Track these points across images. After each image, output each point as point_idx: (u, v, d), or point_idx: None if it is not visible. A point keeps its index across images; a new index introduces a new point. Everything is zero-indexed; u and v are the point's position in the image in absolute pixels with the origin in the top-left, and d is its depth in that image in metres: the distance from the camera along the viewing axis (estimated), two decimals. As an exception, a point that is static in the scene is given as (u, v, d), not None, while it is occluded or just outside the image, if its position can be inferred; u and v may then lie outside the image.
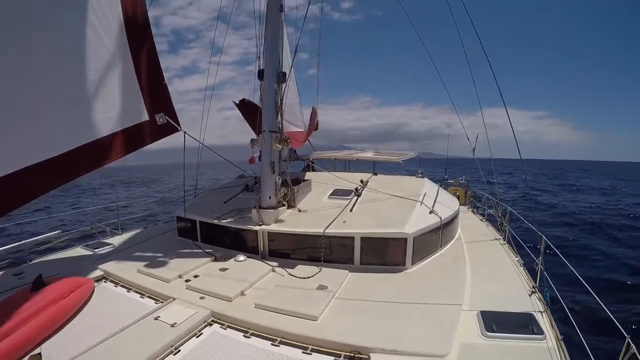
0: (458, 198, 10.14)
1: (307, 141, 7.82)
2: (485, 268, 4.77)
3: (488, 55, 5.39)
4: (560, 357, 2.88)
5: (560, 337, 3.19)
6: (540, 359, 2.83)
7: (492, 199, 8.14)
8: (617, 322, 2.93)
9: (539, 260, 4.46)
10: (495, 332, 3.08)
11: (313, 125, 7.32)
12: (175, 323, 3.00)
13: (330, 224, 4.56)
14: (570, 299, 6.92)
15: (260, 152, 5.02)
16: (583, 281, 3.79)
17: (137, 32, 4.24)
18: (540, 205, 23.84)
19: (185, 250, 4.96)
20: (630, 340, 2.59)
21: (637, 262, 11.61)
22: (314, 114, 7.51)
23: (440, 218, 4.98)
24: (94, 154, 4.02)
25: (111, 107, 4.16)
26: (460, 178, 11.49)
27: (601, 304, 3.34)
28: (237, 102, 6.21)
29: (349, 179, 5.99)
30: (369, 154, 8.34)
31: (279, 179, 4.93)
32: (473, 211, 9.27)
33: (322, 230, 4.43)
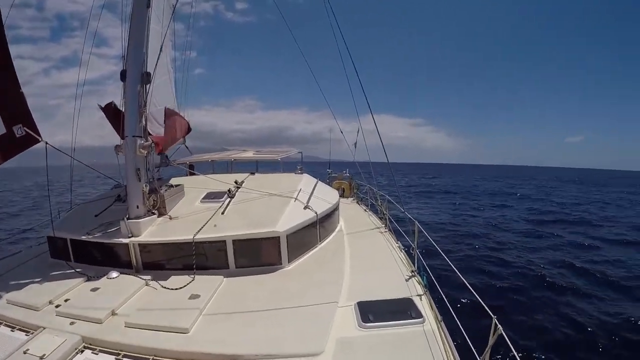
0: (343, 191, 10.52)
1: (184, 144, 7.43)
2: (366, 258, 4.95)
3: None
4: (441, 338, 2.95)
5: (439, 319, 3.26)
6: (420, 342, 2.86)
7: (374, 190, 8.61)
8: (484, 304, 2.97)
9: (414, 245, 4.74)
10: (372, 322, 3.11)
11: (174, 126, 6.27)
12: (45, 355, 2.70)
13: (200, 229, 4.40)
14: (446, 283, 7.54)
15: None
16: (453, 266, 3.93)
17: None
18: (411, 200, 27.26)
19: (58, 273, 4.39)
20: (496, 321, 2.63)
21: (497, 246, 13.84)
22: (170, 115, 6.22)
23: (316, 213, 5.10)
24: None
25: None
26: (344, 171, 11.75)
27: (469, 287, 3.40)
28: (103, 105, 5.58)
29: (225, 181, 5.83)
30: (248, 154, 8.16)
31: (146, 186, 4.61)
32: (358, 202, 9.65)
33: (192, 237, 4.26)
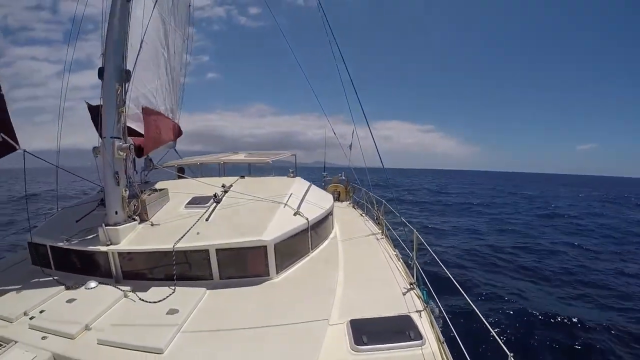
0: (339, 195, 10.37)
1: (173, 148, 7.13)
2: (361, 268, 4.67)
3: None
4: None
5: (441, 340, 2.99)
6: None
7: (370, 194, 8.30)
8: (498, 339, 2.62)
9: (413, 255, 4.43)
10: (366, 344, 2.85)
11: (156, 127, 5.78)
12: None
13: (181, 237, 4.11)
14: (447, 300, 6.44)
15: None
16: (457, 284, 3.53)
17: None
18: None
19: (36, 281, 4.17)
20: None
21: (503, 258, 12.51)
22: (149, 114, 5.61)
23: (307, 220, 4.81)
24: None
25: None
26: (340, 174, 11.50)
27: (480, 315, 2.99)
28: (91, 104, 5.28)
29: (213, 184, 5.50)
30: (239, 156, 7.82)
31: (125, 190, 4.33)
32: (354, 207, 9.31)
33: (172, 246, 3.96)
